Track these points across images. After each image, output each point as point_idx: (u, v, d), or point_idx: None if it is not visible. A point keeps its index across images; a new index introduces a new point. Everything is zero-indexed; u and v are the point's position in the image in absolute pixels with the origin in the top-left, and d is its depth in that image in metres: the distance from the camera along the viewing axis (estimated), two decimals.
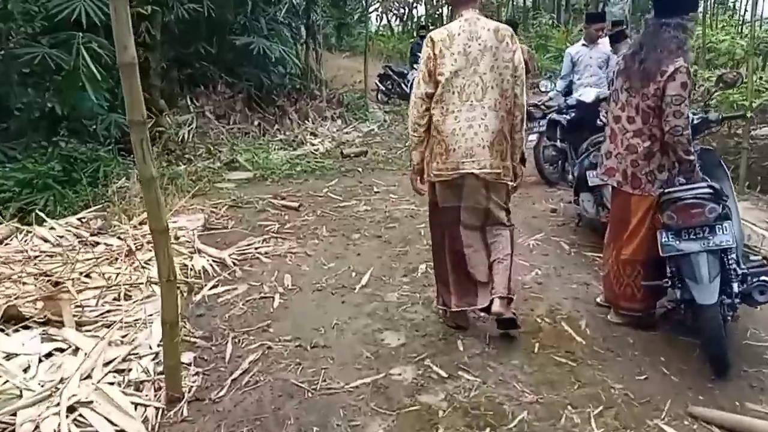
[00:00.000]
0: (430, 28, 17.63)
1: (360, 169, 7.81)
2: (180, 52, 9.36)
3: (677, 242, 2.90)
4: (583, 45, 6.50)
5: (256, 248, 4.72)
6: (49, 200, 5.82)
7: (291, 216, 5.67)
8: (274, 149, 8.87)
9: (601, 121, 5.09)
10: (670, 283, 3.07)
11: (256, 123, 9.78)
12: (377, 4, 32.16)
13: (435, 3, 35.05)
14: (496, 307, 3.09)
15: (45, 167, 6.05)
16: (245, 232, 5.14)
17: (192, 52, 9.46)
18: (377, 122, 11.52)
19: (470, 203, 3.13)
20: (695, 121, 3.40)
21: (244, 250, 4.69)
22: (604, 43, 6.42)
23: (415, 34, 29.63)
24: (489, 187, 3.10)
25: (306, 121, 10.61)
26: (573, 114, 5.33)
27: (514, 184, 3.23)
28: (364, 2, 14.78)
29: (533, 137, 6.43)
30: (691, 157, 3.02)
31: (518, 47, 3.07)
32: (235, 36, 9.51)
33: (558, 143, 6.55)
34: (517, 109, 3.07)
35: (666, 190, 2.96)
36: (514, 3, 29.37)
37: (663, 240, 2.93)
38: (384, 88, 14.16)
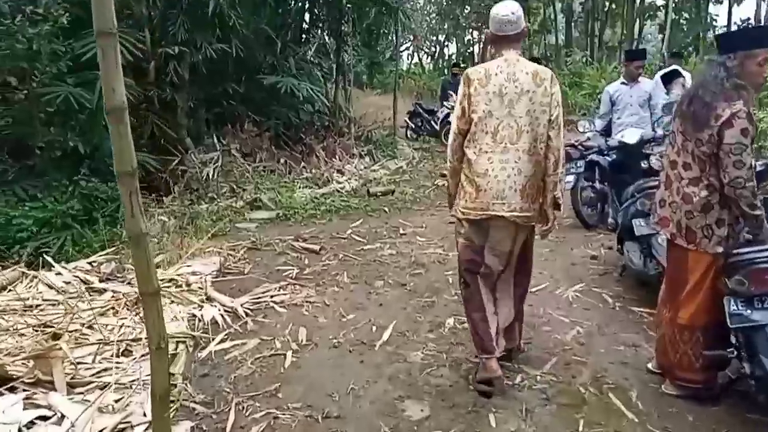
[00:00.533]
0: (462, 66, 17.53)
1: (386, 209, 7.51)
2: (208, 91, 9.31)
3: (749, 312, 2.49)
4: (623, 83, 6.15)
5: (271, 296, 4.42)
6: (67, 240, 5.67)
7: (311, 260, 5.37)
8: (299, 187, 8.66)
9: (645, 164, 4.74)
10: (736, 353, 2.65)
11: (282, 161, 9.60)
12: (408, 43, 32.63)
13: (465, 41, 35.43)
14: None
15: (65, 206, 5.93)
16: (262, 278, 4.85)
17: (220, 91, 9.41)
18: (405, 159, 11.27)
19: (495, 244, 3.05)
20: (758, 168, 3.00)
21: (258, 298, 4.39)
22: (645, 81, 6.07)
23: (446, 72, 29.89)
24: (517, 230, 3.03)
25: (333, 159, 10.41)
26: (615, 156, 4.94)
27: (546, 228, 3.10)
28: (395, 41, 14.71)
29: (570, 178, 6.06)
30: (758, 212, 2.63)
31: (557, 91, 2.96)
32: (263, 75, 9.43)
33: (597, 184, 6.18)
34: (550, 152, 2.95)
35: (734, 251, 2.56)
36: (546, 41, 29.27)
37: (731, 309, 2.53)
38: (413, 125, 13.97)
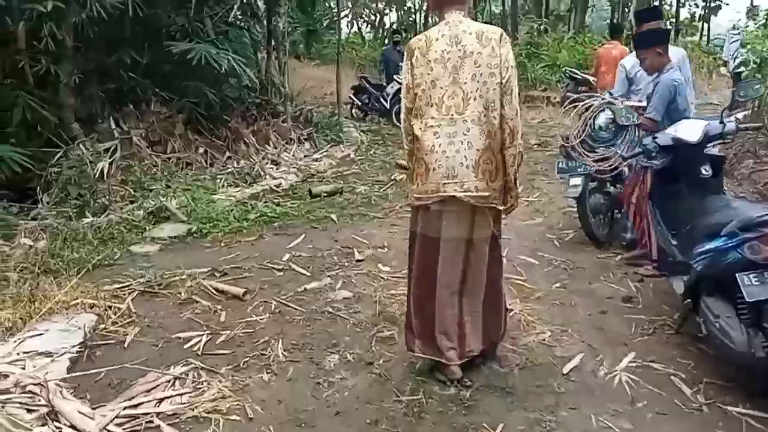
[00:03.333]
0: (404, 35, 15.85)
1: (334, 217, 5.86)
2: (100, 62, 7.29)
3: None
4: None
5: (158, 403, 2.73)
6: None
7: (231, 313, 3.70)
8: (223, 185, 6.87)
9: (707, 170, 3.30)
10: None
11: (201, 150, 7.74)
12: (347, 10, 30.51)
13: (407, 9, 33.62)
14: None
15: None
16: (150, 358, 3.15)
17: (116, 61, 7.40)
18: (353, 145, 9.59)
19: (451, 234, 2.78)
20: None
21: (137, 407, 2.69)
22: (673, 51, 4.60)
23: (387, 42, 28.14)
24: (474, 215, 2.78)
25: (266, 146, 8.61)
26: (664, 159, 3.44)
27: (506, 207, 2.87)
28: (338, 6, 12.88)
29: (577, 182, 4.61)
30: None
31: (508, 51, 2.71)
32: (172, 42, 7.47)
33: (610, 187, 4.77)
34: (505, 122, 2.71)
35: None
36: (490, 9, 27.82)
37: None
38: (359, 103, 12.25)
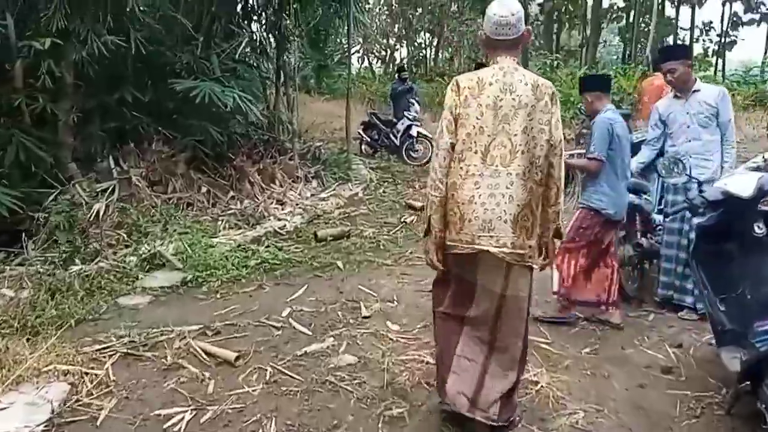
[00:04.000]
0: (405, 69, 15.67)
1: (340, 264, 5.48)
2: (101, 100, 7.05)
3: None
4: (676, 96, 4.33)
5: None
6: None
7: (220, 382, 3.30)
8: (224, 228, 6.53)
9: (761, 228, 2.91)
10: None
11: (203, 190, 7.43)
12: (358, 46, 30.68)
13: (417, 44, 33.80)
14: None
15: None
16: None
17: (118, 100, 7.17)
18: (362, 183, 9.26)
19: (487, 281, 2.61)
20: None
21: None
22: (706, 89, 4.25)
23: (395, 77, 28.16)
24: (510, 270, 2.60)
25: (271, 186, 8.30)
26: (711, 216, 3.04)
27: (544, 263, 2.78)
28: (348, 41, 12.73)
29: None
30: None
31: (558, 109, 2.61)
32: (176, 80, 7.23)
33: (641, 238, 4.37)
34: (552, 182, 2.62)
35: None
36: None
37: None
38: (368, 139, 11.97)
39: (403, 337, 3.83)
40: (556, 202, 2.67)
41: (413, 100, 11.74)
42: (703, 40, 22.51)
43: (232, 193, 7.64)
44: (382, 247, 6.06)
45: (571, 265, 3.97)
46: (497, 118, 2.55)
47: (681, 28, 22.69)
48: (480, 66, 9.79)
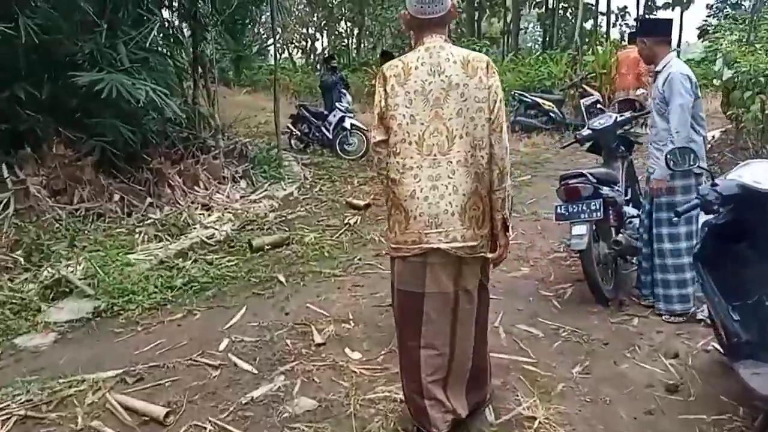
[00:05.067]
0: (334, 58, 15.02)
1: (282, 277, 4.83)
2: None
3: None
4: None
5: None
6: None
7: None
8: (142, 242, 5.70)
9: None
10: None
11: (116, 198, 6.53)
12: (277, 36, 29.59)
13: (338, 33, 33.09)
14: None
15: None
16: None
17: (9, 97, 6.16)
18: (296, 182, 8.57)
19: (435, 288, 2.44)
20: None
21: None
22: (665, 71, 3.78)
23: (318, 67, 27.30)
24: (461, 266, 2.45)
25: (195, 188, 7.49)
26: (724, 212, 2.63)
27: (495, 256, 2.51)
28: (272, 30, 11.92)
29: (581, 230, 3.80)
30: None
31: (496, 81, 2.39)
32: (79, 72, 6.27)
33: (619, 235, 4.02)
34: (494, 162, 2.40)
35: None
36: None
37: None
38: (299, 133, 11.25)
39: (366, 368, 3.26)
40: (500, 186, 2.43)
41: (344, 91, 11.13)
42: (620, 25, 23.17)
43: (150, 200, 6.77)
44: (327, 254, 5.44)
45: None
46: (428, 103, 2.37)
47: (600, 13, 23.17)
48: (386, 56, 9.33)
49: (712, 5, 23.44)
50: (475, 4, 26.25)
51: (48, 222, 5.72)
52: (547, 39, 25.02)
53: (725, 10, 23.20)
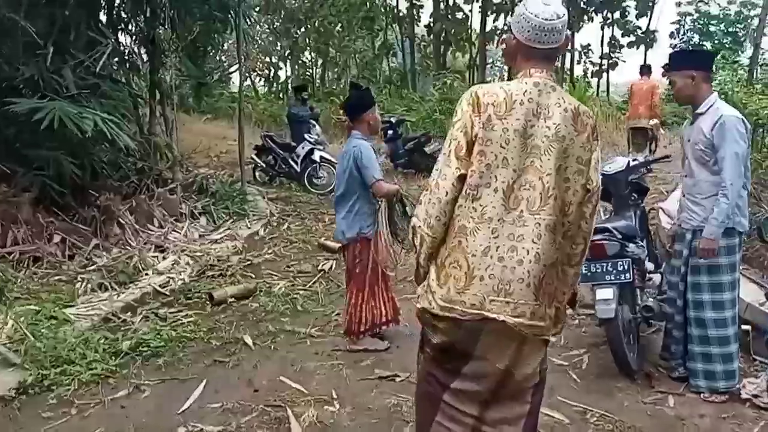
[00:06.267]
0: (306, 89, 14.42)
1: (248, 339, 4.15)
2: None
3: None
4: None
5: None
6: None
7: None
8: (84, 292, 4.94)
9: None
10: None
11: (56, 239, 5.74)
12: (240, 63, 29.03)
13: (301, 63, 32.72)
14: None
15: None
16: None
17: None
18: (261, 219, 7.88)
19: (488, 355, 2.01)
20: None
21: None
22: (712, 113, 3.32)
23: (282, 96, 26.68)
24: (523, 345, 2.02)
25: (148, 226, 6.74)
26: None
27: (555, 332, 2.13)
28: (239, 57, 11.31)
29: (607, 295, 3.28)
30: None
31: (599, 148, 2.05)
32: (14, 99, 5.51)
33: (649, 299, 3.53)
34: (581, 236, 2.07)
35: None
36: (389, 63, 27.41)
37: None
38: (263, 165, 10.58)
39: None
40: (579, 262, 2.14)
41: (313, 122, 10.56)
42: (584, 62, 23.50)
43: (95, 241, 6.01)
44: (300, 307, 4.79)
45: None
46: (526, 149, 1.97)
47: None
48: (356, 87, 8.79)
49: (674, 44, 23.95)
50: (441, 38, 26.30)
51: None
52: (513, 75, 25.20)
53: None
